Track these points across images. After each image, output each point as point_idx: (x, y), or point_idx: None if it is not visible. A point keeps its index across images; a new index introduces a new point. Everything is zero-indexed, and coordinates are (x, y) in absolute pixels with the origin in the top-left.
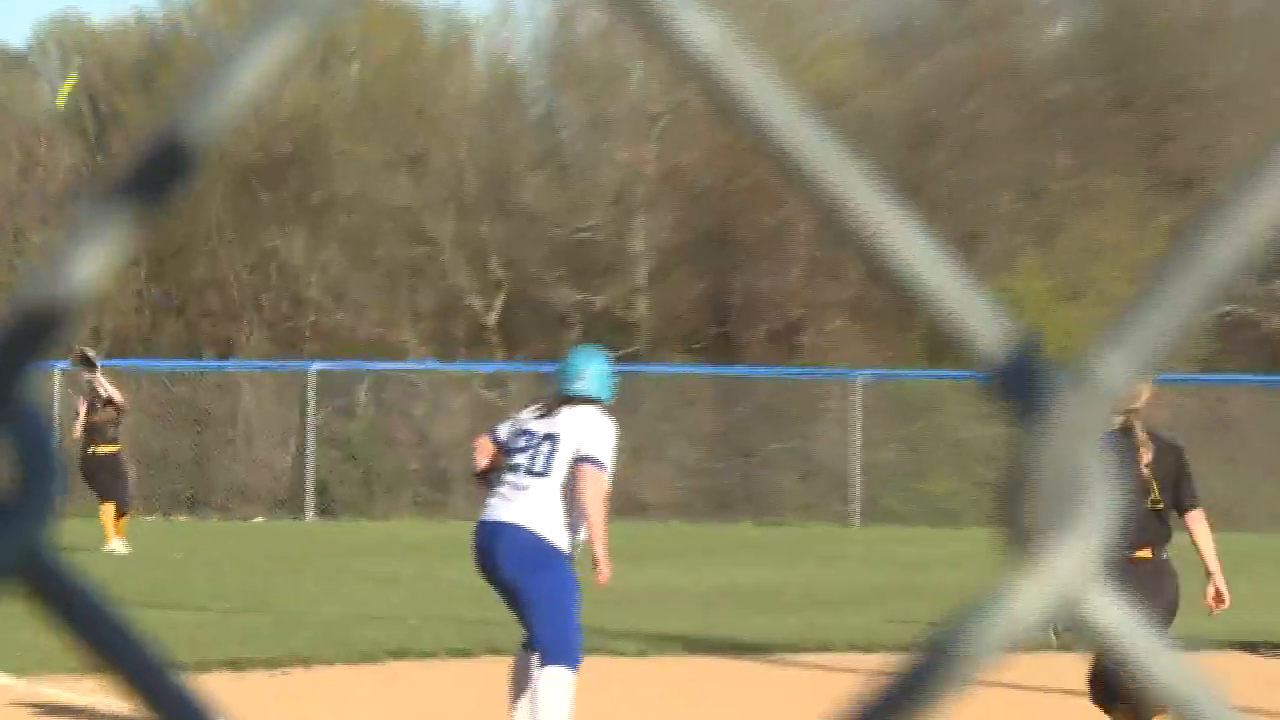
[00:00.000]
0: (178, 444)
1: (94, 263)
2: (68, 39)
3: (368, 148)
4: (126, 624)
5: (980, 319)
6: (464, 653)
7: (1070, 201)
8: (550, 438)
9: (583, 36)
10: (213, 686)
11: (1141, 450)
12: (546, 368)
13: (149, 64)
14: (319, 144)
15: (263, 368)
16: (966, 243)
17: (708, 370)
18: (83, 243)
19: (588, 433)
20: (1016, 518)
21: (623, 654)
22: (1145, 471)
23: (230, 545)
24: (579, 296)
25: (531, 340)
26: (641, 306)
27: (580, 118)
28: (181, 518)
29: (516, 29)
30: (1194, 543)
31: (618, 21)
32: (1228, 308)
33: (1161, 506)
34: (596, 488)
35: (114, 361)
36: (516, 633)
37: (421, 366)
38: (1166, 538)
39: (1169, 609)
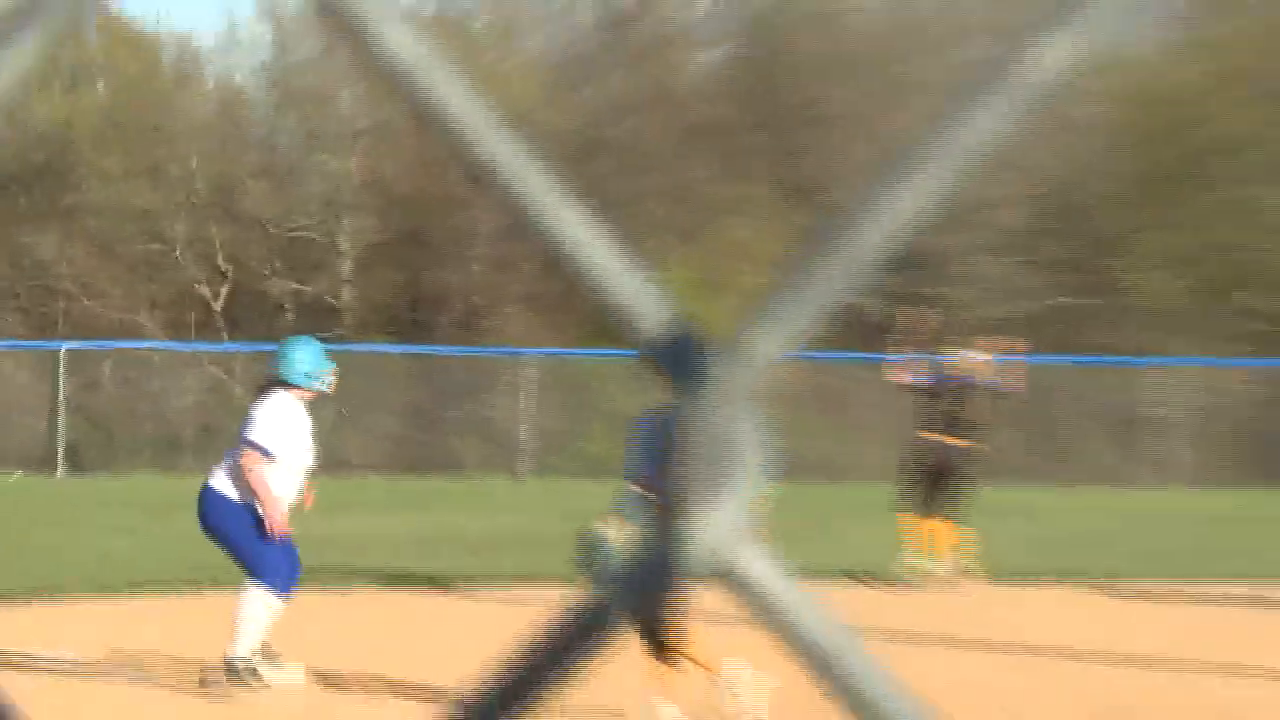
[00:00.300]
0: None
1: None
2: None
3: (112, 159)
4: None
5: (642, 303)
6: (194, 585)
7: (713, 207)
8: (246, 417)
9: (298, 62)
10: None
11: None
12: (265, 348)
13: None
14: (69, 155)
15: (19, 346)
16: (626, 242)
17: (404, 349)
18: None
19: (254, 414)
20: (675, 479)
21: (328, 589)
22: None
23: None
24: (293, 286)
25: (253, 324)
26: (347, 295)
27: (296, 133)
28: None
29: (242, 55)
30: None
31: (330, 47)
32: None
33: None
34: (249, 463)
35: None
36: (236, 573)
37: (158, 346)
38: None
39: None
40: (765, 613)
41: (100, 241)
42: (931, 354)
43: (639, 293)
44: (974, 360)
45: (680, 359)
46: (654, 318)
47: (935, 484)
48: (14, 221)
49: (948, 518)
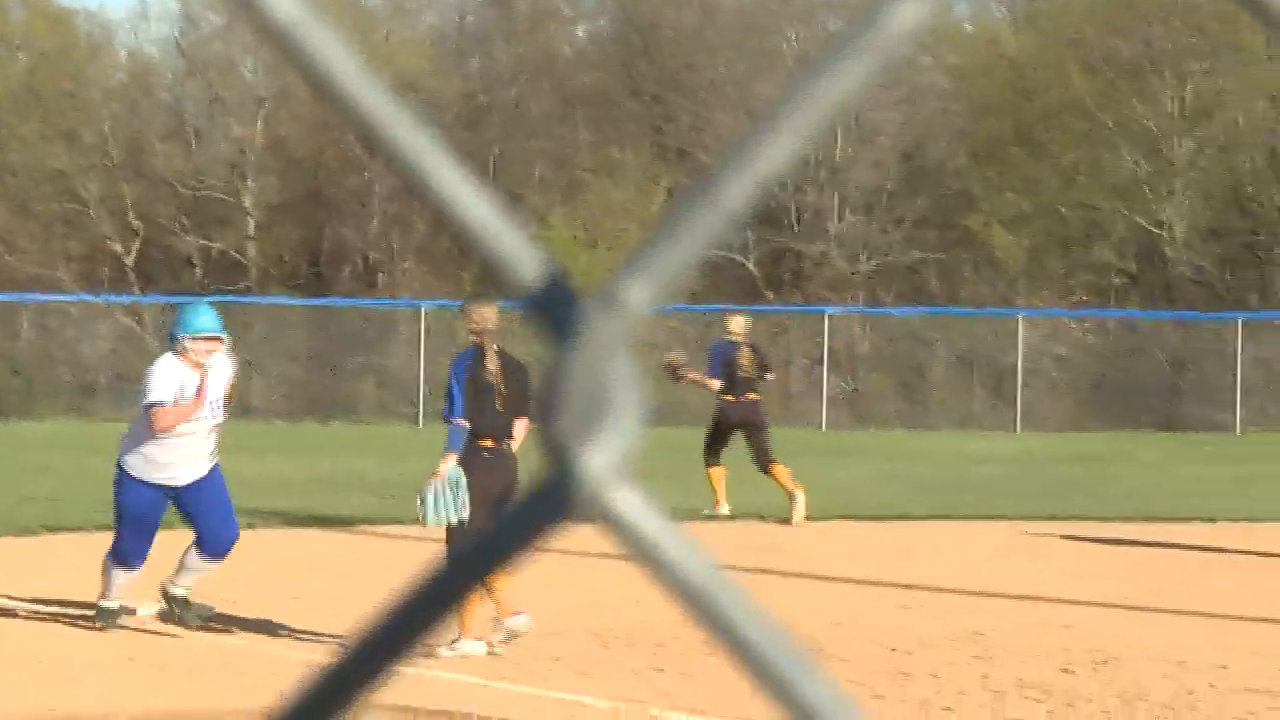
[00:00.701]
0: None
1: None
2: None
3: (29, 124)
4: None
5: (520, 256)
6: (106, 526)
7: (590, 169)
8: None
9: (205, 33)
10: None
11: (490, 362)
12: (174, 299)
13: None
14: None
15: None
16: (509, 201)
17: (304, 302)
18: None
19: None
20: (553, 425)
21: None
22: (495, 380)
23: None
24: (201, 242)
25: (163, 278)
26: (252, 251)
27: (202, 99)
28: None
29: (152, 27)
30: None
31: (232, 18)
32: (714, 251)
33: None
34: (157, 424)
35: None
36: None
37: (73, 299)
38: (508, 433)
39: (510, 484)
40: (642, 552)
41: (19, 200)
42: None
43: (517, 247)
44: (736, 332)
45: (557, 309)
46: (532, 270)
47: (733, 438)
48: None
49: (767, 463)
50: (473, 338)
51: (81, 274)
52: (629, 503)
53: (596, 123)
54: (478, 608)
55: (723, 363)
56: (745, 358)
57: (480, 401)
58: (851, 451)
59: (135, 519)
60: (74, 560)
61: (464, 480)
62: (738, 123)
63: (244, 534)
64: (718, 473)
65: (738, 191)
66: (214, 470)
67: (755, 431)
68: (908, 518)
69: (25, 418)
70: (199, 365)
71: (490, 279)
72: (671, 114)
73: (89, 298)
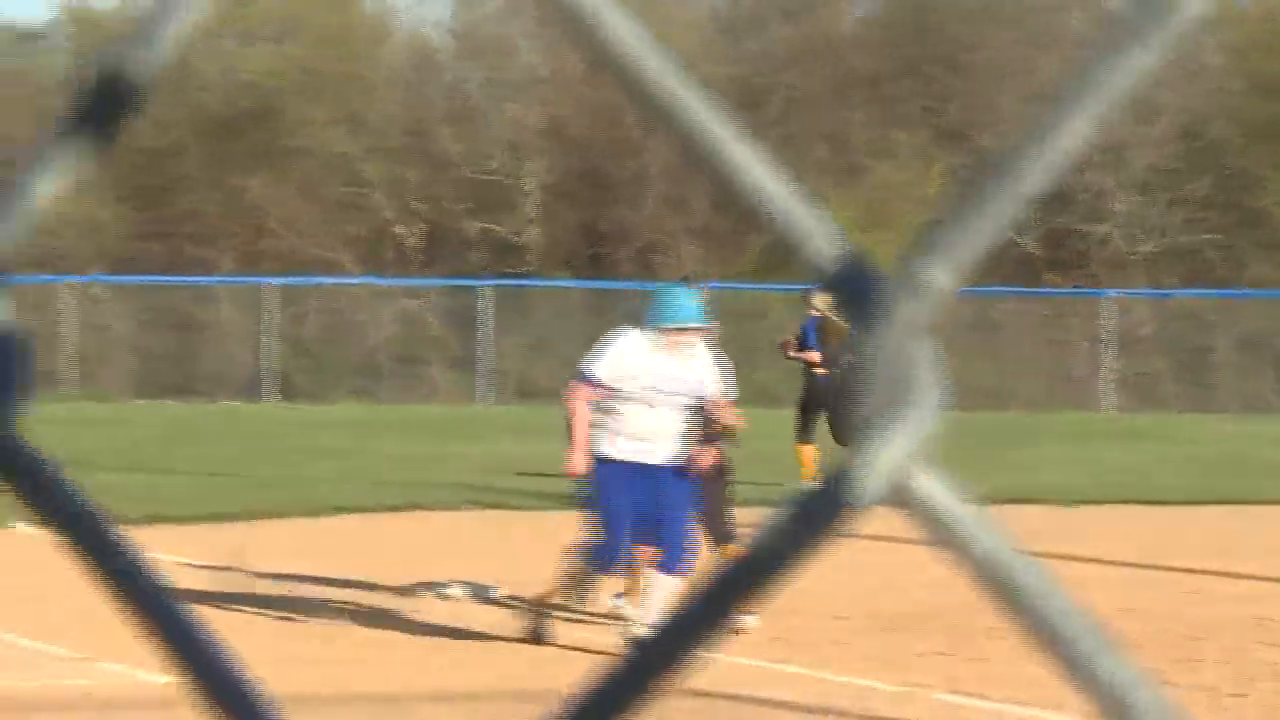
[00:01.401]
0: (165, 342)
1: (49, 186)
2: (76, 18)
3: (315, 107)
4: (85, 501)
5: (818, 237)
6: (391, 508)
7: (867, 151)
8: None
9: (485, 15)
10: (199, 535)
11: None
12: (455, 282)
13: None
14: (276, 103)
15: (232, 281)
16: (795, 181)
17: (583, 284)
18: (41, 169)
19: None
20: (857, 407)
21: (515, 507)
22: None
23: (207, 424)
24: (481, 225)
25: (444, 261)
26: (531, 233)
27: (481, 81)
28: (169, 401)
29: (432, 8)
30: None
31: (506, 3)
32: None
33: None
34: (569, 391)
35: (118, 277)
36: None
37: (359, 281)
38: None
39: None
40: (943, 535)
41: (304, 184)
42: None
43: (815, 228)
44: (819, 308)
45: (857, 290)
46: (830, 252)
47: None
48: (226, 164)
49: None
50: (811, 313)
51: (364, 256)
52: (930, 486)
53: (872, 104)
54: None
55: (816, 338)
56: (832, 331)
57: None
58: (1133, 435)
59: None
60: (361, 541)
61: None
62: (1018, 104)
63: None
64: (809, 451)
65: (1035, 173)
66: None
67: (840, 406)
68: (1194, 502)
69: (312, 400)
70: (677, 352)
71: (785, 260)
72: (949, 94)
73: (374, 280)
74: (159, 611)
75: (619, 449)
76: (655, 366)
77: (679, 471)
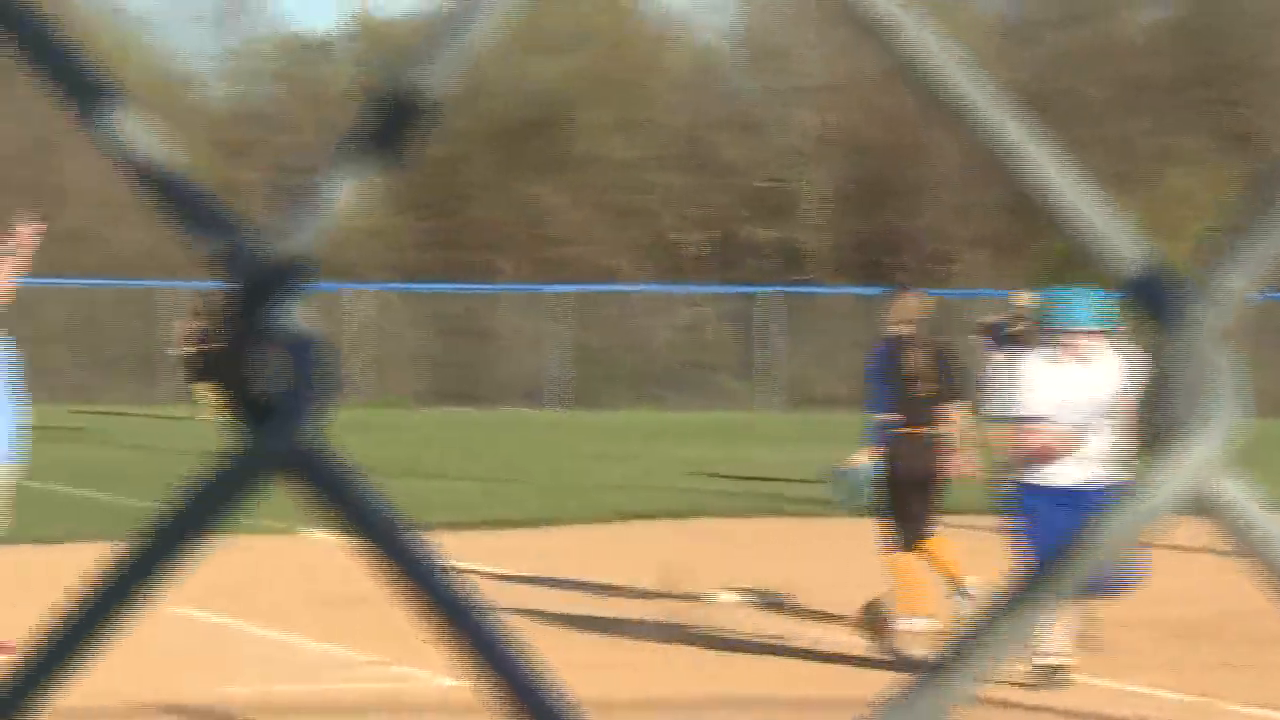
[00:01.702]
0: (452, 349)
1: (342, 198)
2: (363, 28)
3: (600, 115)
4: (385, 507)
5: (1117, 242)
6: (677, 515)
7: (1153, 157)
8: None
9: (767, 22)
10: (487, 542)
11: (909, 353)
12: (739, 289)
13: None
14: (562, 111)
15: (520, 289)
16: (1092, 185)
17: (867, 290)
18: (333, 182)
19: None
20: (1157, 414)
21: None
22: (916, 370)
23: (494, 430)
24: (763, 232)
25: (726, 268)
26: (813, 240)
27: (763, 89)
28: (457, 407)
29: (713, 18)
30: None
31: (792, 10)
32: None
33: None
34: (1022, 442)
35: (404, 285)
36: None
37: (642, 288)
38: (932, 420)
39: (934, 471)
40: (1249, 543)
41: (588, 191)
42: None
43: (1114, 233)
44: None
45: (1157, 297)
46: (1130, 257)
47: None
48: (512, 173)
49: None
50: (892, 329)
51: (646, 263)
52: (1233, 493)
53: (1159, 110)
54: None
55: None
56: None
57: (901, 392)
58: None
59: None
60: (641, 547)
61: (874, 472)
62: None
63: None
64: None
65: None
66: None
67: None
68: None
69: (597, 406)
70: (1075, 360)
71: (1084, 266)
72: (1240, 100)
73: (657, 287)
74: (457, 615)
75: (1047, 474)
76: (1060, 380)
77: (1104, 493)
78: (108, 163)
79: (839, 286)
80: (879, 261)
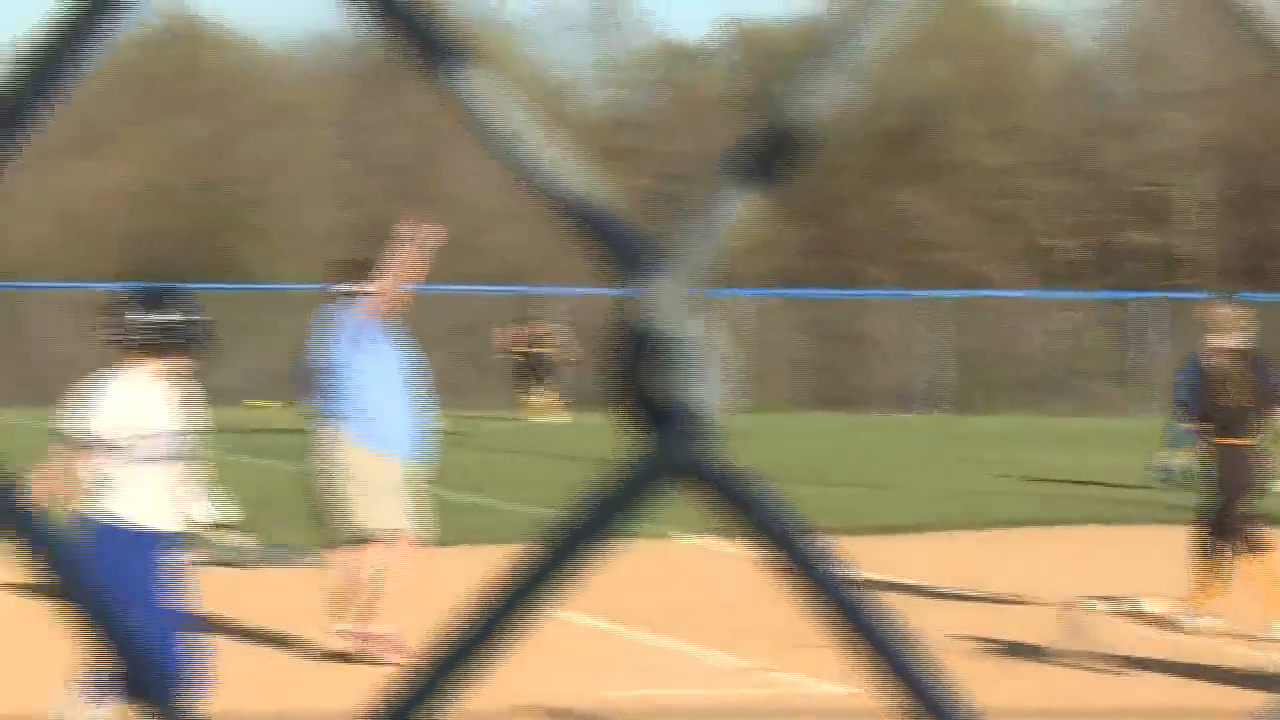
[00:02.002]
0: (830, 354)
1: (729, 219)
2: (737, 34)
3: (970, 121)
4: (789, 515)
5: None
6: (1065, 522)
7: None
8: None
9: (1144, 26)
10: (870, 548)
11: (1218, 359)
12: (1115, 295)
13: (801, 55)
14: (932, 118)
15: (896, 295)
16: None
17: (1249, 297)
18: (719, 203)
19: None
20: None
21: None
22: (1225, 377)
23: (874, 436)
24: (1138, 237)
25: (1100, 274)
26: (1189, 245)
27: (1138, 93)
28: (836, 413)
29: (1086, 22)
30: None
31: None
32: None
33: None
34: None
35: (774, 290)
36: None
37: (1016, 294)
38: (1243, 428)
39: (1246, 478)
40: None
41: (961, 197)
42: None
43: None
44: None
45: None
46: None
47: None
48: (882, 180)
49: None
50: (1209, 339)
51: (1018, 269)
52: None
53: None
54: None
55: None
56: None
57: (1211, 399)
58: None
59: None
60: (1024, 554)
61: (1195, 470)
62: None
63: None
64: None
65: None
66: None
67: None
68: None
69: (972, 411)
70: None
71: None
72: None
73: (1033, 293)
74: (860, 622)
75: None
76: None
77: None
78: (489, 170)
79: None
80: (1261, 267)
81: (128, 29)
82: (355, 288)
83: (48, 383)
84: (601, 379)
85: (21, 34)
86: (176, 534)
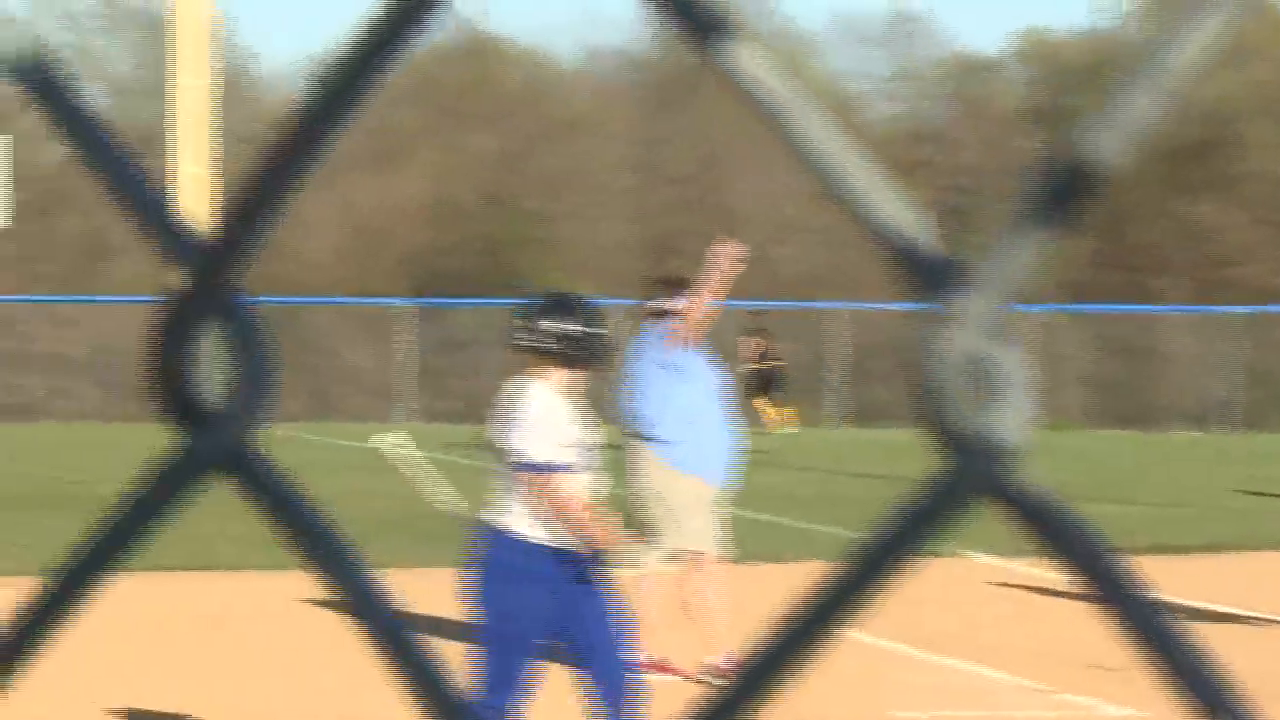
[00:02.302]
0: (1120, 370)
1: (1024, 261)
2: (1029, 47)
3: (1267, 130)
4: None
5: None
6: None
7: None
8: None
9: None
10: (1170, 568)
11: None
12: None
13: (1095, 67)
14: (1226, 129)
15: (1187, 310)
16: None
17: None
18: (1014, 244)
19: None
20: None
21: None
22: None
23: (1167, 454)
24: None
25: None
26: None
27: None
28: (1123, 430)
29: None
30: None
31: None
32: None
33: None
34: None
35: (1075, 306)
36: None
37: None
38: None
39: None
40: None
41: (1253, 210)
42: None
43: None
44: None
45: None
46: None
47: None
48: (1173, 192)
49: None
50: None
51: None
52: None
53: None
54: None
55: None
56: None
57: None
58: None
59: None
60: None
61: None
62: None
63: None
64: None
65: None
66: None
67: None
68: None
69: (1266, 429)
70: None
71: None
72: None
73: None
74: (1165, 644)
75: None
76: None
77: None
78: (774, 183)
79: None
80: None
81: (424, 44)
82: (666, 305)
83: (330, 397)
84: (907, 396)
85: (322, 49)
86: (598, 552)
